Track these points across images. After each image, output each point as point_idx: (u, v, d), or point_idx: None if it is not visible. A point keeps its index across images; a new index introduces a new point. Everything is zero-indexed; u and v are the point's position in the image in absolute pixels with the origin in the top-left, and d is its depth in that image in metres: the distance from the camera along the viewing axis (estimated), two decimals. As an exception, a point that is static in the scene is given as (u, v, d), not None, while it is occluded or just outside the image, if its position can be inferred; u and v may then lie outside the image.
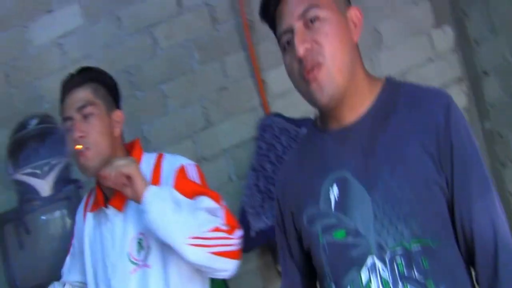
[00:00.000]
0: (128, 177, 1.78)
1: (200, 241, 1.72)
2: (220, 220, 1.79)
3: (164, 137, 3.16)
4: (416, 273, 1.30)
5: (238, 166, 3.12)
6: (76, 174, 2.56)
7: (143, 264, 1.88)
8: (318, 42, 1.34)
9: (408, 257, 1.31)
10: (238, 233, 1.82)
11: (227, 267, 1.79)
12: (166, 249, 1.81)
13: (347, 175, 1.38)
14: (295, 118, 2.94)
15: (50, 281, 2.02)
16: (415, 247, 1.31)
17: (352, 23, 1.42)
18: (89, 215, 2.06)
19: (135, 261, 1.89)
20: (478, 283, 1.34)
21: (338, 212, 1.38)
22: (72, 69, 3.11)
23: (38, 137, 2.53)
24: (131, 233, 1.91)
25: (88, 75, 2.00)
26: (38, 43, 3.24)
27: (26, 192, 2.39)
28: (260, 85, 3.15)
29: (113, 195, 1.95)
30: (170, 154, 2.03)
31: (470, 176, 1.32)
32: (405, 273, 1.30)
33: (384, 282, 1.32)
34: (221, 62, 3.22)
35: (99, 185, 2.02)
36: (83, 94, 1.95)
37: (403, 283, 1.30)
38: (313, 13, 1.36)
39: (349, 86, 1.37)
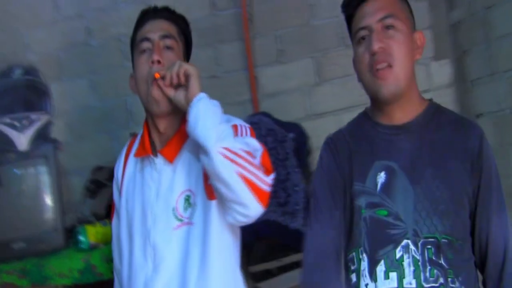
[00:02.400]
0: (187, 78, 1.72)
1: (232, 156, 1.60)
2: (257, 156, 1.69)
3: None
4: (442, 260, 1.57)
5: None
6: (56, 134, 2.49)
7: (188, 221, 1.78)
8: (390, 46, 1.61)
9: (437, 246, 1.57)
10: (271, 177, 1.69)
11: (249, 203, 1.63)
12: (209, 209, 1.75)
13: (395, 166, 1.63)
14: (283, 121, 2.90)
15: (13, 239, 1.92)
16: (444, 240, 1.57)
17: (416, 43, 1.69)
18: (132, 159, 1.95)
19: (180, 217, 1.79)
20: (484, 286, 1.66)
21: (383, 194, 1.62)
22: (63, 25, 3.12)
23: (20, 89, 2.40)
24: (180, 188, 1.82)
25: (174, 16, 1.93)
26: (30, -9, 3.14)
27: (2, 143, 2.27)
28: (252, 81, 3.11)
29: (164, 144, 1.85)
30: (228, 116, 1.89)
31: (492, 197, 1.62)
32: (434, 258, 1.57)
33: (415, 261, 1.57)
34: (215, 50, 3.18)
35: (148, 131, 1.91)
36: (168, 26, 1.88)
37: (430, 265, 1.57)
38: (391, 21, 1.63)
39: (407, 91, 1.64)
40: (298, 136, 2.68)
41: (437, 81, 3.18)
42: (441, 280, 1.56)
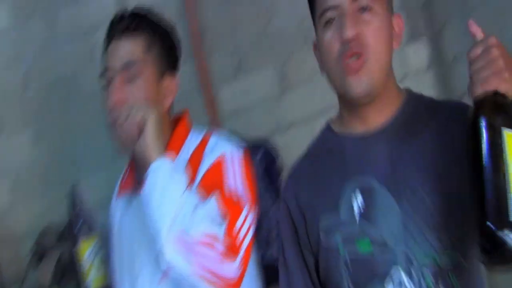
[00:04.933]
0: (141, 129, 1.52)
1: (187, 254, 1.43)
2: (220, 236, 1.49)
3: (99, 156, 2.81)
4: (441, 286, 1.28)
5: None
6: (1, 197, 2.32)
7: None
8: (365, 33, 1.33)
9: (436, 271, 1.28)
10: (238, 260, 1.50)
11: None
12: None
13: (372, 182, 1.35)
14: (250, 139, 2.65)
15: None
16: (444, 261, 1.28)
17: (395, 28, 1.42)
18: (118, 200, 1.82)
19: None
20: None
21: (363, 221, 1.34)
22: None
23: None
24: None
25: (142, 23, 1.70)
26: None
27: None
28: (211, 101, 2.89)
29: None
30: (218, 136, 1.74)
31: None
32: (431, 286, 1.28)
33: None
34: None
35: (132, 164, 1.77)
36: (131, 48, 1.66)
37: None
38: (366, 2, 1.34)
39: (383, 87, 1.37)
40: (266, 155, 2.44)
41: (414, 65, 2.98)
42: None
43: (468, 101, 1.19)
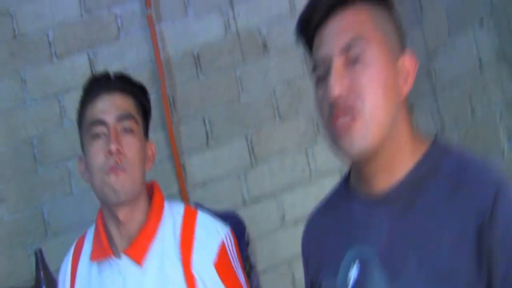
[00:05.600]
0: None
1: None
2: None
3: (67, 220, 2.77)
4: None
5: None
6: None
7: None
8: (359, 86, 1.12)
9: None
10: None
11: None
12: None
13: (371, 254, 1.17)
14: (217, 211, 2.61)
15: None
16: None
17: (403, 71, 1.18)
18: (85, 264, 1.69)
19: None
20: None
21: None
22: None
23: None
24: None
25: (131, 86, 1.68)
26: None
27: None
28: (179, 172, 2.84)
29: (129, 244, 1.61)
30: (203, 213, 1.72)
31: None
32: None
33: None
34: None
35: (103, 225, 1.66)
36: (125, 103, 1.63)
37: None
38: (358, 48, 1.14)
39: (387, 145, 1.16)
40: (234, 227, 2.39)
41: None
42: None
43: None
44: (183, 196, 2.82)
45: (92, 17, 2.91)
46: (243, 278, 1.65)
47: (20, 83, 2.89)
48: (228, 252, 1.64)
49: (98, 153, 1.58)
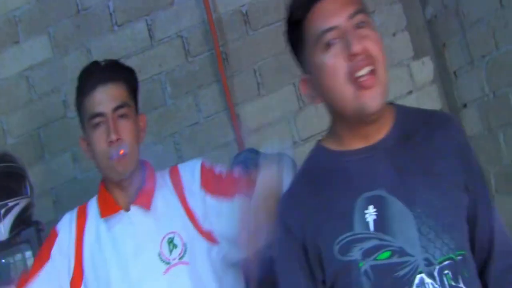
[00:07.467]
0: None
1: None
2: None
3: None
4: (461, 282, 1.30)
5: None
6: (44, 213, 2.44)
7: (179, 262, 1.78)
8: (370, 47, 1.31)
9: (454, 268, 1.29)
10: None
11: None
12: (198, 244, 1.79)
13: (382, 194, 1.33)
14: (270, 154, 2.83)
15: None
16: (459, 257, 1.31)
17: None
18: (91, 226, 1.88)
19: (167, 261, 1.78)
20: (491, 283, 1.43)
21: (379, 233, 1.32)
22: (40, 103, 3.10)
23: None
24: (162, 232, 1.81)
25: (122, 73, 1.88)
26: (5, 76, 3.14)
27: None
28: (234, 120, 3.05)
29: (135, 197, 1.84)
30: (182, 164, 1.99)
31: (486, 191, 1.44)
32: (453, 283, 1.29)
33: None
34: (195, 96, 3.12)
35: (106, 190, 1.89)
36: (118, 92, 1.82)
37: None
38: (361, 17, 1.33)
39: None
40: (287, 165, 2.59)
41: (420, 80, 3.12)
42: None
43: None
44: (239, 142, 3.02)
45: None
46: (234, 175, 1.85)
47: (86, 53, 3.13)
48: (208, 166, 1.88)
49: (100, 140, 1.79)
